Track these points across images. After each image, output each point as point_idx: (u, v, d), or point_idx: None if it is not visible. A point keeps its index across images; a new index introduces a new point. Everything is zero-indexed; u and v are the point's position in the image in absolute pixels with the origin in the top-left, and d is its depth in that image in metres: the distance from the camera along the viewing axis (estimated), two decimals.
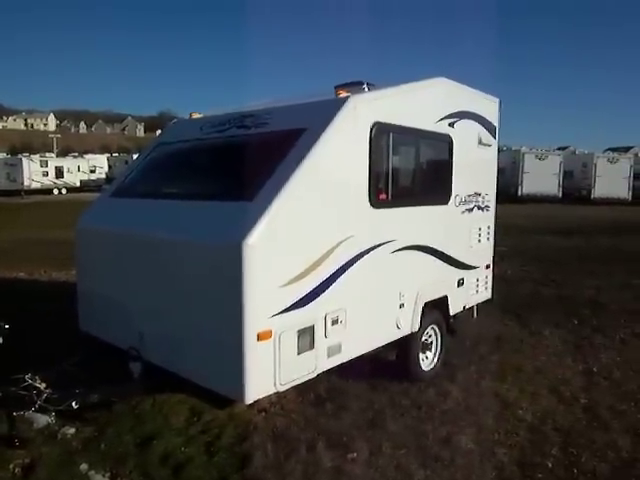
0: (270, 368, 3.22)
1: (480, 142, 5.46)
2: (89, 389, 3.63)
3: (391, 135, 4.09)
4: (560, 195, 29.50)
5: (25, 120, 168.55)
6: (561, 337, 6.22)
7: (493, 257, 6.05)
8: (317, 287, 3.49)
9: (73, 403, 3.50)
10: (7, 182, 36.09)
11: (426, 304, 4.71)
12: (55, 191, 38.11)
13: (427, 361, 5.00)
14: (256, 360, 3.11)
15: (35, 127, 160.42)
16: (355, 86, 4.15)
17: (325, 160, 3.49)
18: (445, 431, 3.90)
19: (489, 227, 5.88)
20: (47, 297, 7.71)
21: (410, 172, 4.50)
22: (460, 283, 5.32)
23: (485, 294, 5.93)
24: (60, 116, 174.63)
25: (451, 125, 4.89)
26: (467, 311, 5.70)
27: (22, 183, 35.57)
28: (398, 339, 4.46)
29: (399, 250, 4.29)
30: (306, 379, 3.52)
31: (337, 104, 3.64)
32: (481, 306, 6.05)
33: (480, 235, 5.67)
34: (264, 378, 3.19)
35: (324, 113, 3.61)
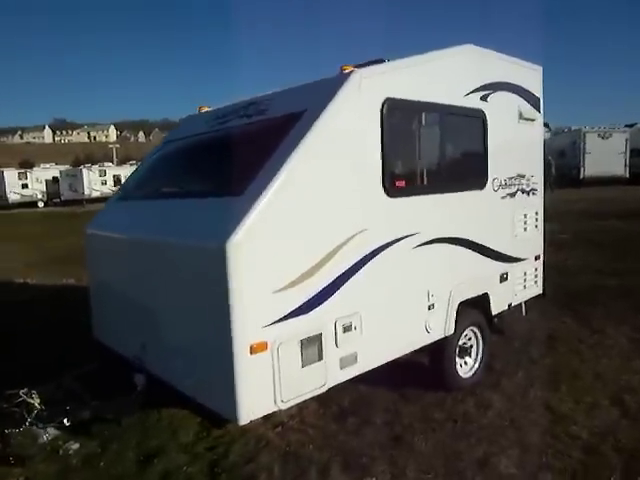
0: (268, 384, 2.83)
1: (521, 117, 4.82)
2: (80, 406, 3.40)
3: (407, 113, 3.59)
4: (627, 175, 27.14)
5: (88, 133, 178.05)
6: (627, 335, 5.44)
7: (544, 247, 5.38)
8: (324, 290, 3.07)
9: (65, 420, 3.27)
10: (70, 192, 37.92)
11: (462, 304, 4.17)
12: None
13: (466, 367, 4.45)
14: (250, 376, 2.74)
15: (97, 139, 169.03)
16: (375, 64, 3.66)
17: (326, 144, 3.06)
18: (482, 451, 3.38)
19: (537, 213, 5.21)
20: None
21: (434, 154, 3.95)
22: (503, 278, 4.72)
23: (535, 289, 5.27)
24: (120, 127, 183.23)
25: (483, 98, 4.30)
26: (514, 309, 5.09)
27: (83, 192, 37.25)
28: (429, 344, 3.96)
29: (424, 244, 3.78)
30: (314, 394, 3.11)
31: (338, 81, 3.19)
32: (535, 302, 5.41)
33: (526, 223, 5.03)
34: (261, 395, 2.81)
35: (324, 92, 3.17)
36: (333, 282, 3.12)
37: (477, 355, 4.55)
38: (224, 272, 2.61)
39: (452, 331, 4.09)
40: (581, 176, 27.00)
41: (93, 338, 4.55)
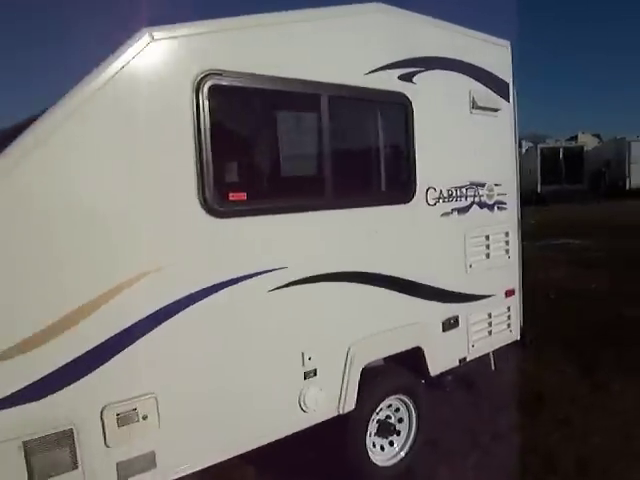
0: None
1: (475, 105, 3.58)
2: None
3: (252, 93, 2.44)
4: None
5: None
6: (637, 394, 4.02)
7: (521, 277, 4.08)
8: (76, 362, 1.96)
9: None
10: None
11: (372, 365, 2.97)
12: None
13: (388, 451, 3.20)
14: None
15: None
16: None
17: (71, 147, 1.96)
18: None
19: (507, 234, 3.93)
20: None
21: (311, 154, 2.76)
22: (450, 324, 3.46)
23: (507, 334, 3.96)
24: None
25: (406, 78, 3.10)
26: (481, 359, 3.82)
27: None
28: (312, 426, 2.75)
29: (293, 284, 2.59)
30: None
31: (116, 49, 2.07)
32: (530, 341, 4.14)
33: (489, 247, 3.75)
34: None
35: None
36: (95, 350, 2.00)
37: (409, 432, 3.29)
38: None
39: (352, 406, 2.86)
40: (627, 187, 24.66)
41: None
